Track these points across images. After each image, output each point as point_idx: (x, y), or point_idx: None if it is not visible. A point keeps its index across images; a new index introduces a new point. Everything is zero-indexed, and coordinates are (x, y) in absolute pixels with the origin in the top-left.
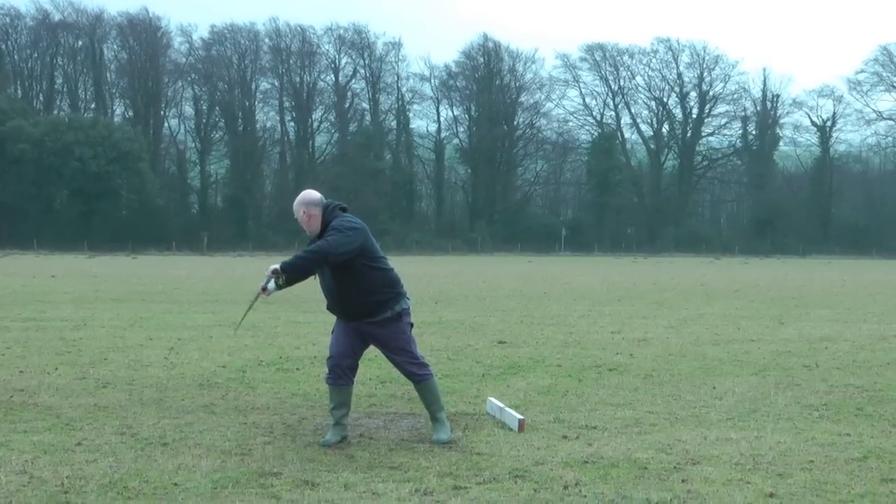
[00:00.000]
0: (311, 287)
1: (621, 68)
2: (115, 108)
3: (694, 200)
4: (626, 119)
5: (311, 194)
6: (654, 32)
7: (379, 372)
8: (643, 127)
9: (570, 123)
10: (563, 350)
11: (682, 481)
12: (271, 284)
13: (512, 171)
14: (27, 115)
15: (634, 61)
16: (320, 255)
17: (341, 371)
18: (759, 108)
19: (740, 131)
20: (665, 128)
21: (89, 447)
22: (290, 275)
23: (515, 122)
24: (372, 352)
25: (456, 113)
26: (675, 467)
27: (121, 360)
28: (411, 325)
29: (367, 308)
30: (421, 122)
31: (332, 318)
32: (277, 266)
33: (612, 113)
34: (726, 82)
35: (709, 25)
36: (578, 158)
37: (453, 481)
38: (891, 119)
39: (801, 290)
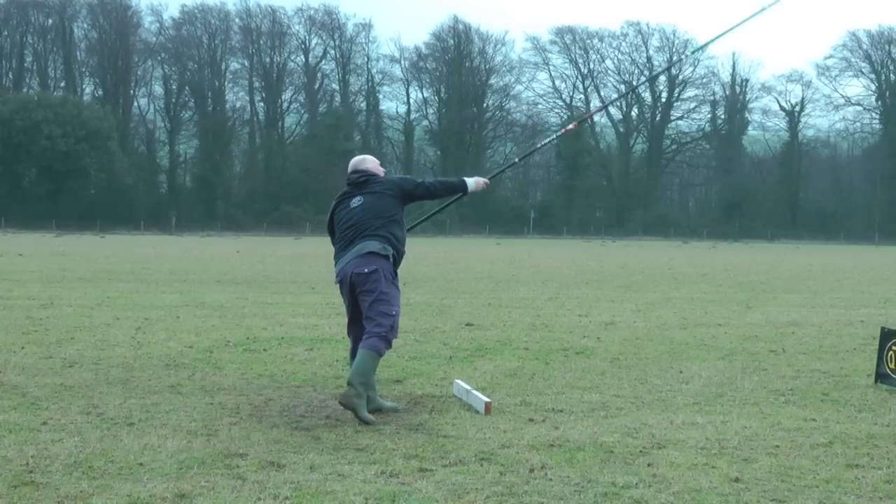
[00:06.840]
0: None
1: (591, 51)
2: (84, 86)
3: (662, 184)
4: (595, 102)
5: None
6: (623, 16)
7: (346, 353)
8: (612, 110)
9: (540, 106)
10: (530, 333)
11: (648, 465)
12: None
13: (481, 154)
14: None
15: (604, 44)
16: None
17: None
18: (728, 93)
19: (709, 115)
20: (634, 111)
21: (55, 427)
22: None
23: (485, 105)
24: (339, 333)
25: (426, 95)
26: (640, 451)
27: (88, 339)
28: None
29: None
30: (390, 104)
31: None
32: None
33: (582, 96)
34: (696, 66)
35: (679, 9)
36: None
37: (419, 463)
38: (859, 104)
39: (768, 275)
